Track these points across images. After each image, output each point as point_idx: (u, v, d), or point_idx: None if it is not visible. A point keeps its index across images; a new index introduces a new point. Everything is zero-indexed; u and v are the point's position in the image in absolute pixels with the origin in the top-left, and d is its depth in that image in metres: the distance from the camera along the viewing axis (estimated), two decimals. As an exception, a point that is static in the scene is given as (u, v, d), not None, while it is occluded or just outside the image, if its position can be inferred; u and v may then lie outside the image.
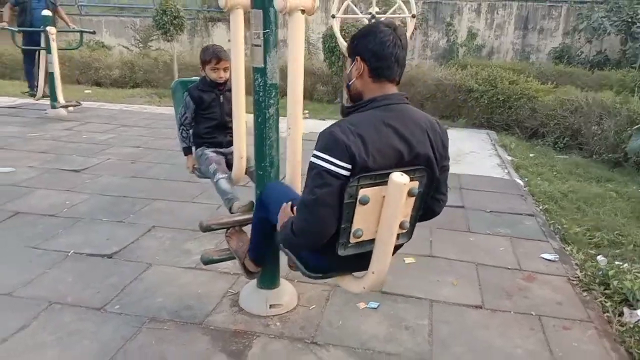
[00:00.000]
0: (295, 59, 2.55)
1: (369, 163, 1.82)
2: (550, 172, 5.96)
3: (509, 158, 6.60)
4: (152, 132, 7.29)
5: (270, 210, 2.42)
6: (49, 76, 7.81)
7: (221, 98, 3.38)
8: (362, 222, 1.94)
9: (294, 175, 2.72)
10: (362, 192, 1.85)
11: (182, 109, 3.36)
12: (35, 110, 8.33)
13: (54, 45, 7.52)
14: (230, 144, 3.24)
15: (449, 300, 3.15)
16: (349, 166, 1.80)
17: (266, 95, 2.69)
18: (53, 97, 7.90)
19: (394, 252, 2.12)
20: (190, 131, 3.42)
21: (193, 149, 3.54)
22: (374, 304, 3.07)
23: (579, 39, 13.03)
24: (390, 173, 1.83)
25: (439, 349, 2.68)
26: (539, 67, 11.12)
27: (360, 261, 2.09)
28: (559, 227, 4.37)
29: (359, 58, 1.96)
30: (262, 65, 2.65)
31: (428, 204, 2.13)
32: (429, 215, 2.24)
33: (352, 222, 1.92)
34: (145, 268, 3.39)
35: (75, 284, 3.17)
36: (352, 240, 1.97)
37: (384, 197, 1.89)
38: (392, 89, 1.98)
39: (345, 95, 2.33)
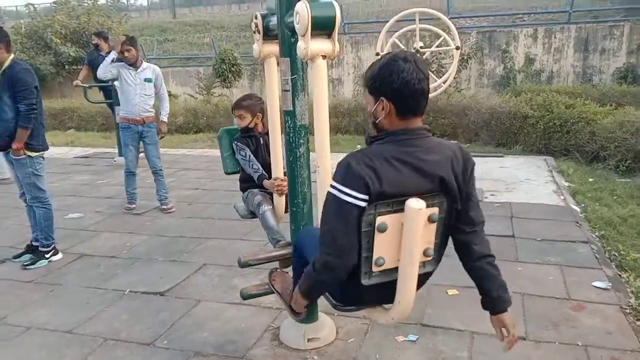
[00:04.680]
0: (320, 103, 2.66)
1: (384, 193, 1.82)
2: (610, 197, 5.71)
3: (566, 184, 6.39)
4: (210, 174, 7.64)
5: (306, 256, 2.47)
6: (118, 127, 8.41)
7: (262, 141, 3.57)
8: (382, 250, 1.94)
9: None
10: (380, 220, 1.87)
11: (242, 152, 3.51)
12: (104, 159, 8.99)
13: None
14: None
15: (491, 332, 3.00)
16: (366, 197, 1.81)
17: (296, 136, 2.84)
18: (121, 146, 8.46)
19: (424, 281, 2.13)
20: (258, 165, 3.47)
21: (240, 195, 3.71)
22: (412, 337, 3.07)
23: (645, 56, 12.50)
24: (406, 199, 1.84)
25: (476, 382, 2.65)
26: (601, 89, 10.74)
27: (388, 291, 2.05)
28: (616, 253, 4.19)
29: (384, 99, 1.91)
30: (292, 108, 2.81)
31: (455, 236, 2.09)
32: (464, 250, 2.10)
33: (372, 250, 1.93)
34: (194, 304, 3.57)
35: (129, 320, 3.39)
36: (375, 269, 1.97)
37: (402, 224, 1.89)
38: (416, 122, 1.95)
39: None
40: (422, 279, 2.09)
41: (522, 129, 8.53)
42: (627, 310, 3.28)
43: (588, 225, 4.88)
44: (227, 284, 3.87)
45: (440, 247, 2.09)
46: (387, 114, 1.92)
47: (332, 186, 1.89)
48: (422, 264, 2.04)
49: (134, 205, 5.90)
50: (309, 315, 3.05)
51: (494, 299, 2.12)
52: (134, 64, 5.62)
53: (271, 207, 3.35)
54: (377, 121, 1.98)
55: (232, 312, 3.45)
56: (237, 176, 3.75)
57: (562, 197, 5.81)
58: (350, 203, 1.82)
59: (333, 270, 1.93)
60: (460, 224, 2.05)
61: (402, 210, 1.86)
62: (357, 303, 2.26)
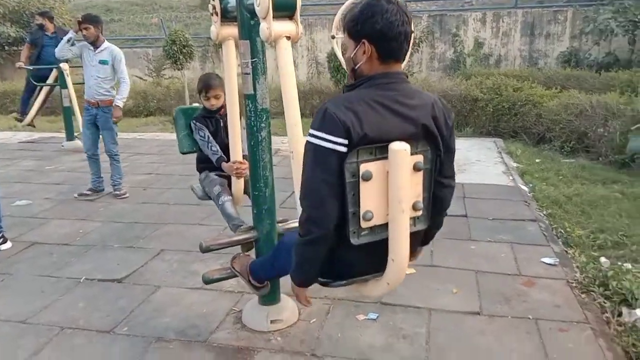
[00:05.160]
0: (287, 85, 2.64)
1: (365, 136, 1.76)
2: (556, 177, 5.97)
3: (515, 165, 6.63)
4: (164, 159, 7.50)
5: (280, 260, 2.44)
6: (65, 110, 8.12)
7: (221, 123, 3.53)
8: (369, 202, 1.85)
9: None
10: (364, 167, 1.79)
11: (201, 132, 3.47)
12: (51, 144, 8.67)
13: (68, 81, 7.82)
14: None
15: (448, 308, 3.21)
16: (345, 141, 1.73)
17: (257, 120, 2.82)
18: (70, 130, 8.20)
19: (415, 242, 2.03)
20: (217, 147, 3.44)
21: (197, 175, 3.69)
22: (373, 315, 3.15)
23: (587, 41, 13.00)
24: (389, 145, 1.78)
25: (435, 356, 2.75)
26: (546, 72, 11.13)
27: (379, 256, 1.95)
28: (562, 231, 4.39)
29: (365, 41, 1.82)
30: (252, 92, 2.79)
31: (434, 191, 2.00)
32: (437, 205, 2.05)
33: (359, 204, 1.83)
34: (153, 290, 3.53)
35: (86, 309, 3.32)
36: (364, 224, 1.87)
37: (388, 172, 1.82)
38: (396, 67, 1.89)
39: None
40: (414, 239, 1.99)
41: (473, 111, 8.77)
42: (574, 285, 3.46)
43: (536, 204, 5.10)
44: (186, 269, 3.84)
45: (429, 204, 2.01)
46: (369, 57, 1.85)
47: (309, 134, 1.81)
48: (412, 221, 1.95)
49: (88, 192, 5.74)
50: (271, 297, 3.09)
51: (427, 242, 2.23)
52: (94, 43, 5.43)
53: (230, 197, 3.34)
54: (356, 67, 1.90)
55: (193, 297, 3.43)
56: (193, 160, 3.72)
57: (511, 178, 6.03)
58: (328, 149, 1.75)
59: (319, 224, 1.82)
60: (440, 176, 2.00)
61: (385, 157, 1.80)
62: (346, 275, 2.10)
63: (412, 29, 1.88)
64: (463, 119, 8.95)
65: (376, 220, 1.89)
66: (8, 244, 4.33)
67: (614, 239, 4.14)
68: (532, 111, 7.97)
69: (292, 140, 2.45)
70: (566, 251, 4.02)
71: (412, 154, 1.80)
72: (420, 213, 1.97)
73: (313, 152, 1.79)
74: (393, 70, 1.87)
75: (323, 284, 2.12)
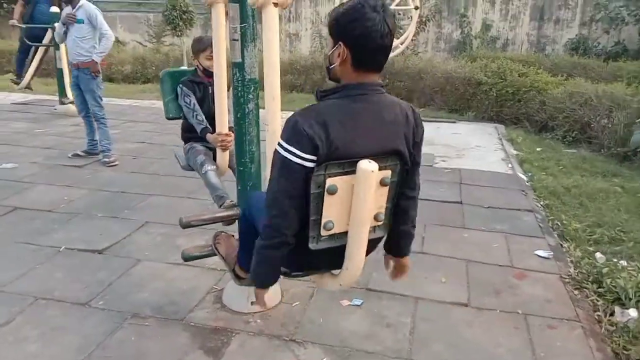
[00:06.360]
0: (271, 55, 2.50)
1: (334, 153, 1.74)
2: (556, 167, 5.84)
3: (515, 152, 6.49)
4: (158, 127, 7.34)
5: (257, 219, 2.36)
6: (58, 72, 7.92)
7: (210, 90, 3.40)
8: (332, 213, 1.85)
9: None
10: (330, 181, 1.78)
11: (187, 99, 3.36)
12: (45, 107, 8.49)
13: (60, 41, 7.59)
14: None
15: (435, 297, 3.11)
16: (313, 157, 1.72)
17: (245, 91, 2.68)
18: (61, 93, 8.01)
19: (373, 247, 2.06)
20: (202, 116, 3.34)
21: (182, 144, 3.59)
22: (357, 301, 3.05)
23: (596, 29, 12.74)
24: (358, 161, 1.75)
25: (418, 347, 2.66)
26: (553, 59, 10.91)
27: (338, 256, 1.98)
28: (558, 223, 4.28)
29: (342, 44, 1.76)
30: (240, 60, 2.64)
31: (397, 201, 2.01)
32: (401, 215, 2.06)
33: (321, 213, 1.83)
34: (133, 264, 3.42)
35: (64, 279, 3.21)
36: (324, 233, 1.88)
37: (353, 186, 1.80)
38: (371, 78, 1.83)
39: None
40: (372, 245, 2.03)
41: (476, 95, 8.59)
42: (567, 280, 3.36)
43: (533, 194, 4.98)
44: (170, 243, 3.73)
45: (391, 213, 2.02)
46: (343, 61, 1.79)
47: (279, 144, 1.77)
48: (372, 229, 1.96)
49: (82, 153, 5.79)
50: (253, 278, 2.98)
51: (404, 251, 2.22)
52: (71, 2, 5.28)
53: (214, 167, 3.22)
54: (331, 66, 1.85)
55: (175, 272, 3.33)
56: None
57: (510, 165, 5.90)
58: (295, 163, 1.72)
59: (281, 232, 1.82)
60: (404, 187, 2.00)
61: (353, 172, 1.76)
62: (305, 269, 2.18)
63: (393, 41, 1.81)
64: (465, 102, 8.78)
65: (336, 229, 1.89)
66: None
67: (611, 234, 4.04)
68: (536, 98, 7.79)
69: (270, 112, 2.40)
70: (561, 244, 3.92)
71: (380, 169, 1.77)
72: (380, 223, 1.98)
73: (280, 164, 1.77)
74: (368, 81, 1.82)
75: (283, 274, 2.14)
